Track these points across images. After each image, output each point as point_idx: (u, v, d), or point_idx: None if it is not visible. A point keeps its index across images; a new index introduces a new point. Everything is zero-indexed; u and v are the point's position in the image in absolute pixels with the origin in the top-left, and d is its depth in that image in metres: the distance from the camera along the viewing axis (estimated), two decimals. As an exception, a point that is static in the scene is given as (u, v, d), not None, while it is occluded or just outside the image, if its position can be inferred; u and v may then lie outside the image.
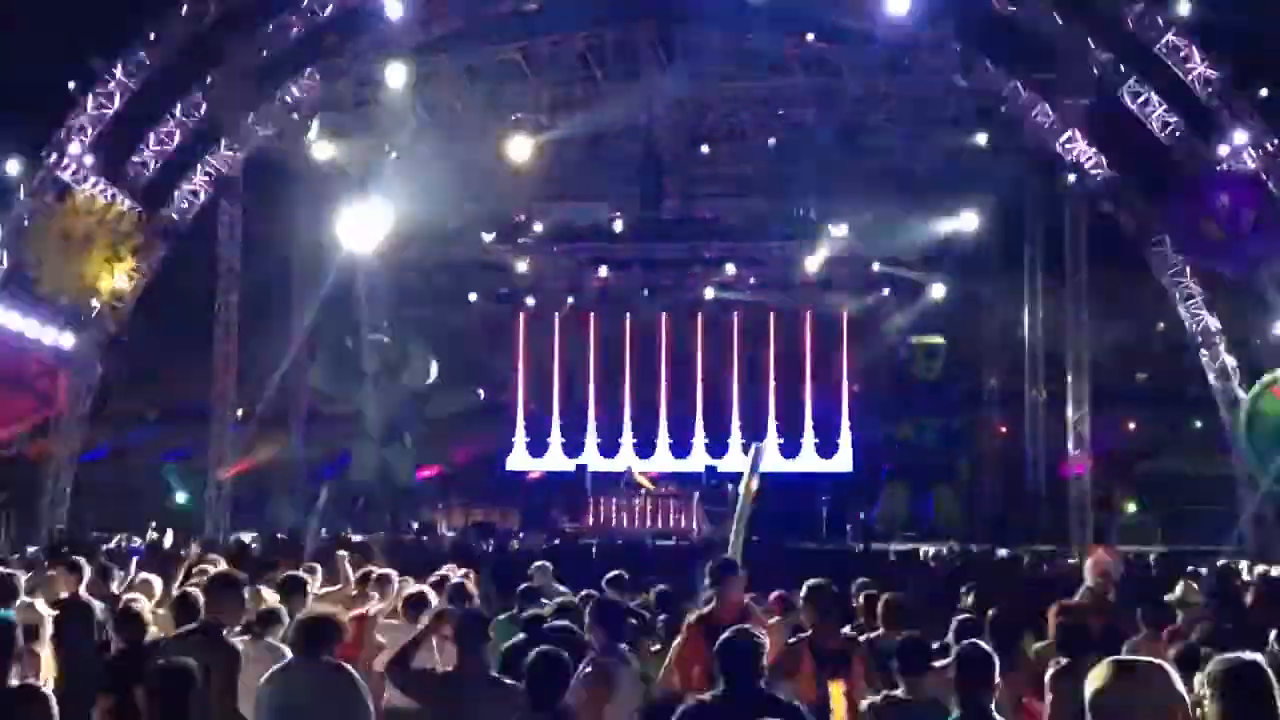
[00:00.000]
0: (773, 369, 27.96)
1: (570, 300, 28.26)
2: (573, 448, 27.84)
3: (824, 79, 21.24)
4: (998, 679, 4.57)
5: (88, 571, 7.93)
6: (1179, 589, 8.23)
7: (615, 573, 8.76)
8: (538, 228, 24.79)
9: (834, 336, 27.92)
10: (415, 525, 23.00)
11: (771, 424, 27.46)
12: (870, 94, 21.40)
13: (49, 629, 7.19)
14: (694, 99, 21.86)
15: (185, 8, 18.85)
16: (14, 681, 4.70)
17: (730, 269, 26.66)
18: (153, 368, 22.90)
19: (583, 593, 8.19)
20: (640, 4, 20.79)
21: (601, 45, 21.50)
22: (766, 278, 27.19)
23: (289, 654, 5.44)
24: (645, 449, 27.66)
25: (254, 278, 22.66)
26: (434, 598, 7.41)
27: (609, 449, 27.78)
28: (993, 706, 4.56)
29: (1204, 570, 11.66)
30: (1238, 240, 17.25)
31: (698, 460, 26.84)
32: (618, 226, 24.61)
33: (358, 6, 19.75)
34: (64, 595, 7.76)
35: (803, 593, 6.73)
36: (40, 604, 7.48)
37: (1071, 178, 21.04)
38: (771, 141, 22.10)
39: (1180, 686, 3.24)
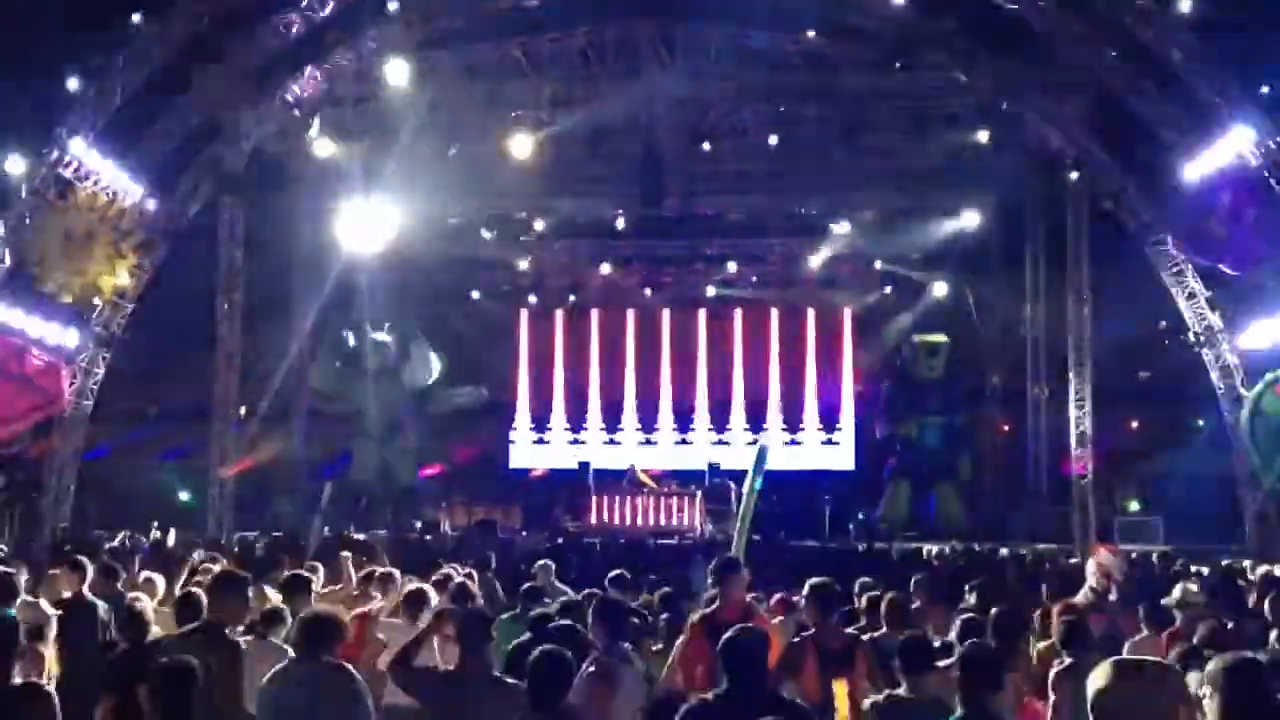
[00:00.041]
0: (775, 366, 27.99)
1: (572, 298, 28.27)
2: (575, 445, 27.86)
3: (825, 76, 21.23)
4: (1004, 678, 4.57)
5: (90, 570, 7.93)
6: (1177, 591, 8.21)
7: (617, 572, 8.77)
8: (539, 225, 24.79)
9: (836, 334, 27.95)
10: (418, 524, 22.99)
11: (774, 421, 27.49)
12: (871, 91, 21.39)
13: (54, 628, 7.20)
14: (695, 96, 21.85)
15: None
16: (17, 680, 4.70)
17: (732, 266, 26.68)
18: (154, 366, 22.91)
19: (585, 591, 8.19)
20: (641, 1, 20.78)
21: (602, 42, 21.49)
22: (768, 275, 27.21)
23: (292, 653, 5.44)
24: (647, 446, 27.69)
25: (255, 276, 22.67)
26: (435, 597, 7.41)
27: (611, 446, 27.80)
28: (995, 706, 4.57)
29: (1204, 570, 11.65)
30: (1240, 238, 17.23)
31: (700, 457, 26.87)
32: (619, 224, 24.62)
33: (358, 4, 19.74)
34: (67, 595, 7.77)
35: (805, 591, 6.73)
36: (44, 603, 7.49)
37: (1073, 176, 21.04)
38: (773, 139, 22.08)
39: (1184, 686, 3.24)
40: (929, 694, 5.07)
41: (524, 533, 22.26)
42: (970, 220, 23.77)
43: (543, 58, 21.53)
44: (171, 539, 15.90)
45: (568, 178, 22.85)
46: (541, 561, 9.98)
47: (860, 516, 23.64)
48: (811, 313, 28.04)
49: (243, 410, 22.82)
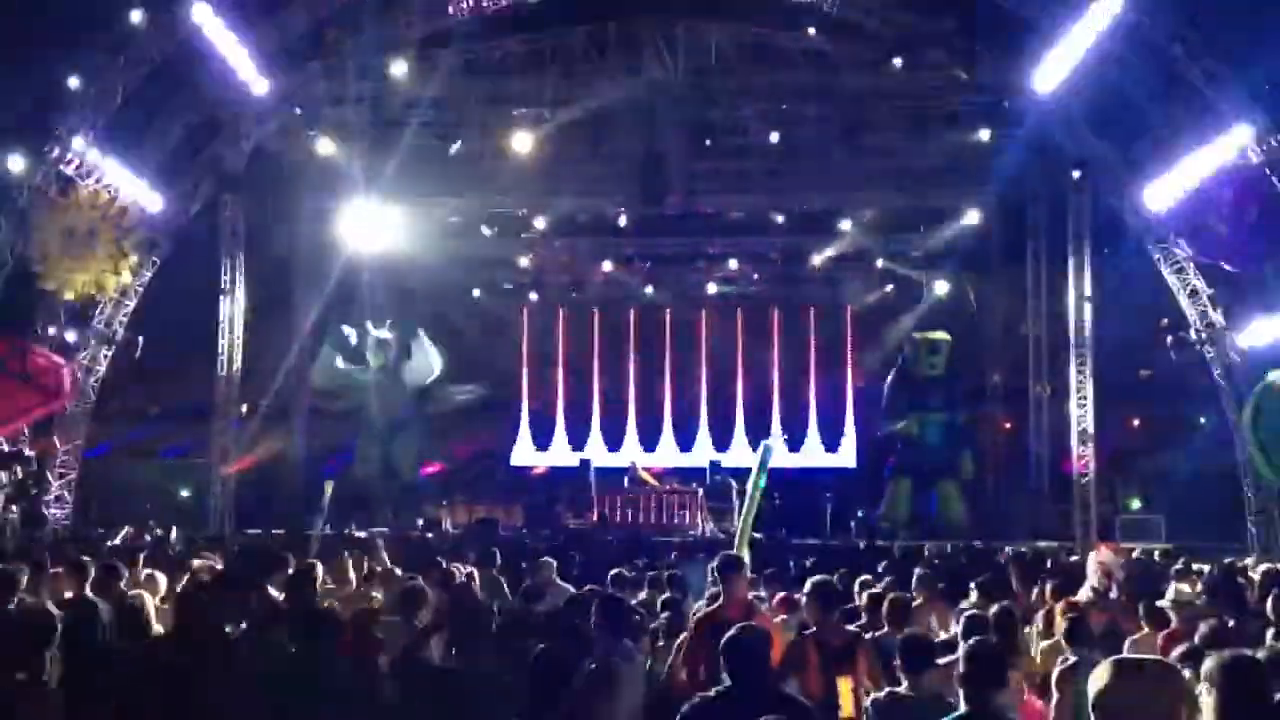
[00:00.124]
0: (777, 364, 27.99)
1: (573, 295, 28.26)
2: (576, 443, 27.86)
3: (826, 74, 21.22)
4: (1008, 675, 4.57)
5: (92, 571, 7.92)
6: (1170, 591, 8.21)
7: (618, 570, 8.78)
8: (540, 223, 24.77)
9: (838, 332, 27.96)
10: (420, 522, 22.99)
11: (776, 419, 27.50)
12: (872, 91, 21.37)
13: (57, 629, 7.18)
14: (696, 94, 21.83)
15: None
16: (20, 677, 4.71)
17: (733, 264, 26.65)
18: (156, 364, 22.91)
19: (586, 589, 8.19)
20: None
21: (604, 39, 21.48)
22: (769, 273, 27.18)
23: (293, 650, 5.44)
24: (649, 444, 27.69)
25: (257, 273, 22.68)
26: (435, 595, 7.40)
27: (613, 444, 27.80)
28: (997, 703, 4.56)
29: (1205, 568, 11.64)
30: (1241, 236, 17.22)
31: (702, 455, 26.85)
32: (620, 221, 24.59)
33: (358, 2, 19.72)
34: (69, 595, 7.76)
35: (806, 589, 6.73)
36: (50, 604, 7.47)
37: (1075, 173, 21.01)
38: (774, 137, 22.06)
39: (1185, 685, 3.23)
40: (929, 691, 5.08)
41: (525, 530, 22.23)
42: (971, 218, 23.74)
43: (544, 55, 21.53)
44: (174, 537, 15.93)
45: (569, 175, 22.82)
46: (543, 559, 9.98)
47: (861, 514, 23.60)
48: (813, 311, 28.04)
49: (244, 408, 22.84)
